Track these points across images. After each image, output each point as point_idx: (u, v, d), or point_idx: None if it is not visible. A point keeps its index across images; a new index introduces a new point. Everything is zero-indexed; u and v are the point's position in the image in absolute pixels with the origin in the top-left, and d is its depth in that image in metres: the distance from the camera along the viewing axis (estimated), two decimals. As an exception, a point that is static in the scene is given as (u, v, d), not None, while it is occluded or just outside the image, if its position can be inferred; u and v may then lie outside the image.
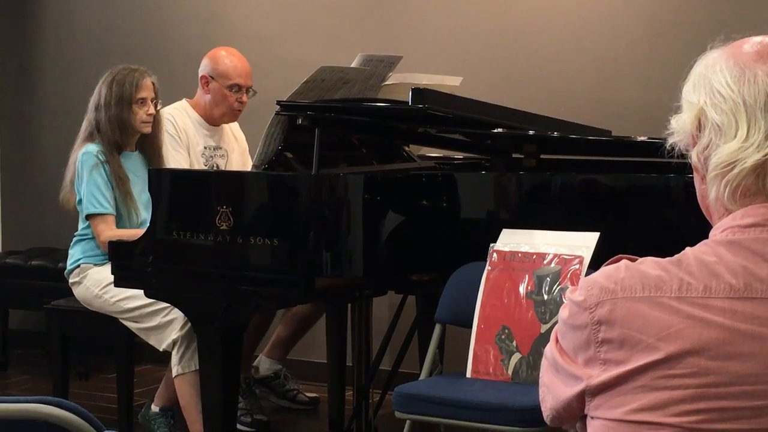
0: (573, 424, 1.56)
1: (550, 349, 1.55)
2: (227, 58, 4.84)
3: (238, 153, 4.98)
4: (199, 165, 4.78)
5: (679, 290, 1.44)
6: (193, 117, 4.84)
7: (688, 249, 1.49)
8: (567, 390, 1.50)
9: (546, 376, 1.57)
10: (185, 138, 4.77)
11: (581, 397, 1.49)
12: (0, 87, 6.54)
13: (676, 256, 1.48)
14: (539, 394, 1.59)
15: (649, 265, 1.48)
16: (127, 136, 4.51)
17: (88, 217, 4.44)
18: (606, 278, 1.48)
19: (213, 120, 4.88)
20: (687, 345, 1.41)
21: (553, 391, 1.54)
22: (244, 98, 4.82)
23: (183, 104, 4.88)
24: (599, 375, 1.46)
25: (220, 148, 4.90)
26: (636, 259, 1.51)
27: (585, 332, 1.48)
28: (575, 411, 1.52)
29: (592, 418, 1.49)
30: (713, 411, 1.40)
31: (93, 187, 4.41)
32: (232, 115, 4.86)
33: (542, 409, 1.59)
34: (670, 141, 1.57)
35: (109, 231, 4.37)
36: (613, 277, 1.48)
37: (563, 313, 1.53)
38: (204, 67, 4.86)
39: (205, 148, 4.85)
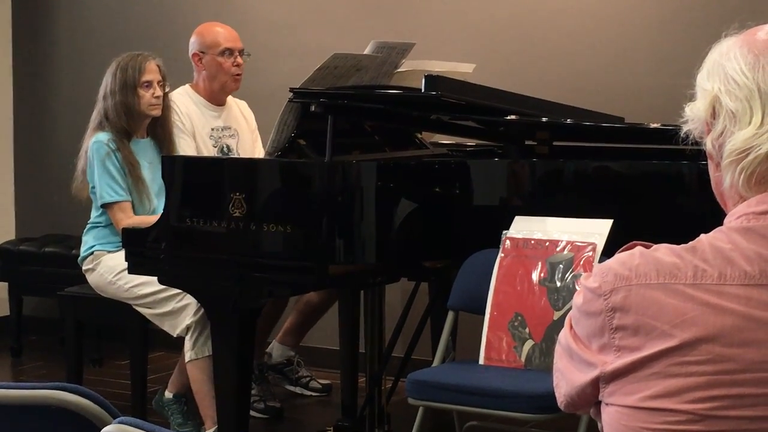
0: (587, 410, 1.56)
1: (564, 336, 1.56)
2: (210, 28, 4.83)
3: (248, 132, 4.95)
4: (206, 148, 4.76)
5: (694, 277, 1.44)
6: (197, 100, 4.81)
7: (702, 236, 1.49)
8: (581, 376, 1.51)
9: (560, 362, 1.57)
10: (189, 123, 4.74)
11: (595, 384, 1.49)
12: (14, 75, 6.55)
13: (690, 243, 1.48)
14: (553, 380, 1.60)
15: (663, 251, 1.48)
16: (134, 121, 4.50)
17: (105, 206, 4.44)
18: (620, 265, 1.48)
19: (216, 97, 4.83)
20: (701, 332, 1.41)
21: (568, 377, 1.54)
22: (239, 60, 4.77)
23: (185, 89, 4.84)
24: (613, 362, 1.46)
25: (229, 127, 4.86)
26: (650, 246, 1.51)
27: (599, 319, 1.48)
28: (589, 397, 1.52)
29: (606, 404, 1.49)
30: (728, 398, 1.40)
31: (107, 176, 4.42)
32: (233, 82, 4.80)
33: (556, 395, 1.59)
34: (685, 129, 1.57)
35: (128, 219, 4.38)
36: (628, 263, 1.48)
37: (577, 299, 1.53)
38: (192, 46, 4.83)
39: (213, 129, 4.80)
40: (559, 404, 1.59)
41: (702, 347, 1.41)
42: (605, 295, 1.47)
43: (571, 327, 1.54)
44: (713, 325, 1.41)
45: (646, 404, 1.43)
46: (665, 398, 1.42)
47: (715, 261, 1.44)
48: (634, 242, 1.55)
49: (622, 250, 1.53)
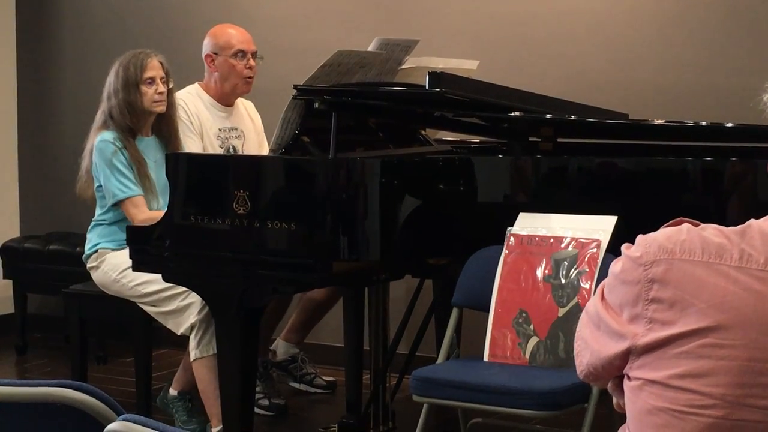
0: (606, 383, 1.55)
1: (593, 304, 1.54)
2: (225, 30, 4.82)
3: (254, 133, 4.95)
4: (213, 148, 4.74)
5: (740, 260, 1.43)
6: (206, 100, 4.80)
7: (752, 221, 1.49)
8: (611, 347, 1.49)
9: (585, 330, 1.55)
10: (198, 123, 4.73)
11: (625, 356, 1.48)
12: (18, 73, 6.55)
13: (740, 226, 1.47)
14: (574, 348, 1.58)
15: (711, 231, 1.47)
16: (138, 118, 4.49)
17: (119, 203, 4.43)
18: (666, 238, 1.48)
19: (227, 98, 4.83)
20: (739, 316, 1.40)
21: (593, 346, 1.53)
22: (252, 63, 4.76)
23: (195, 88, 4.84)
24: (645, 334, 1.45)
25: (236, 128, 4.86)
26: (698, 225, 1.51)
27: (636, 288, 1.47)
28: (615, 370, 1.50)
29: (630, 378, 1.48)
30: (757, 386, 1.39)
31: (116, 173, 4.40)
32: (245, 84, 4.79)
33: (576, 363, 1.57)
34: (765, 97, 1.57)
35: (142, 214, 4.37)
36: (673, 238, 1.47)
37: (615, 267, 1.52)
38: (205, 47, 4.81)
39: (220, 130, 4.80)
40: (579, 373, 1.57)
41: (737, 331, 1.40)
42: (646, 265, 1.47)
43: (603, 297, 1.53)
44: (752, 311, 1.40)
45: (675, 383, 1.42)
46: (694, 378, 1.41)
47: (763, 247, 1.43)
48: (681, 218, 1.54)
49: (668, 225, 1.52)
